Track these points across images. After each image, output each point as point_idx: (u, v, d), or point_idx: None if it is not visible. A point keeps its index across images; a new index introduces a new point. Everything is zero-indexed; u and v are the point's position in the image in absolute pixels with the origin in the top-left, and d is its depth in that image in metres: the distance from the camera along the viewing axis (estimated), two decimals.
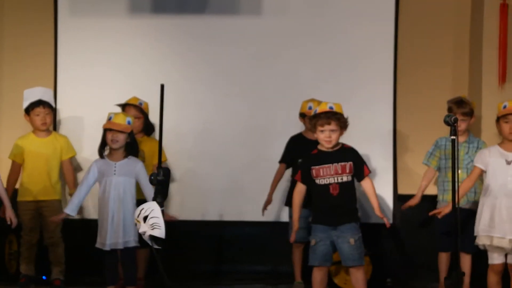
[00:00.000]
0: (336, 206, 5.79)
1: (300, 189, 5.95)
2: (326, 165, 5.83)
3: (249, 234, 7.50)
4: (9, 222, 6.11)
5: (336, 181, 5.81)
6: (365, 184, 5.90)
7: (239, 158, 7.41)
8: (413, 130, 7.44)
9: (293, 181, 6.90)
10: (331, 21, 7.45)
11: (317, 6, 7.47)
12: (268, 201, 7.04)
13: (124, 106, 6.93)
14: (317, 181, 5.85)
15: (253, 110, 7.45)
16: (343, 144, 5.91)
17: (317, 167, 5.85)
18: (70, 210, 6.32)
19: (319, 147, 5.93)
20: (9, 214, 6.15)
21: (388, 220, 5.93)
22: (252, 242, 7.48)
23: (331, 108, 5.85)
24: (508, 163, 5.94)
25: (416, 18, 7.51)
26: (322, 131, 5.83)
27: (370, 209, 5.89)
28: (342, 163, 5.83)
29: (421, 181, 6.71)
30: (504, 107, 6.01)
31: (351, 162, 5.84)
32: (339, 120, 5.83)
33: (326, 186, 5.82)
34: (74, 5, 7.50)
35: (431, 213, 6.18)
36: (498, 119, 6.08)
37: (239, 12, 7.49)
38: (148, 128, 7.00)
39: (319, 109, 5.88)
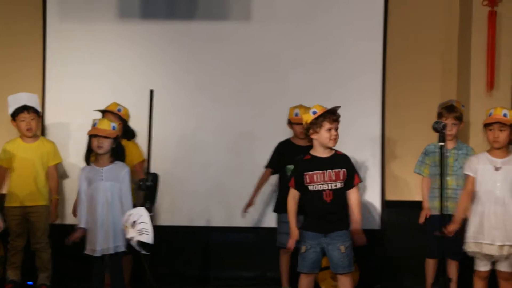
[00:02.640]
0: (328, 213, 5.70)
1: (294, 195, 5.83)
2: (319, 171, 5.73)
3: (236, 239, 7.50)
4: None
5: (329, 187, 5.71)
6: (352, 194, 5.79)
7: (226, 164, 7.42)
8: (401, 137, 7.46)
9: (282, 188, 6.92)
10: (320, 26, 7.46)
11: (306, 13, 7.48)
12: (250, 203, 7.02)
13: (103, 112, 6.91)
14: (310, 187, 5.75)
15: (241, 116, 7.45)
16: (336, 151, 5.84)
17: (310, 173, 5.74)
18: (84, 223, 6.24)
19: (312, 152, 5.82)
20: None
21: (363, 239, 5.77)
22: (239, 248, 7.48)
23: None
24: (497, 169, 5.93)
25: (405, 23, 7.54)
26: (329, 129, 5.72)
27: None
28: (336, 170, 5.73)
29: (422, 192, 6.68)
30: (490, 114, 5.98)
31: (344, 169, 5.75)
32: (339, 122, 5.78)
33: (320, 192, 5.72)
34: (63, 10, 7.48)
35: (438, 233, 5.87)
36: (484, 126, 6.08)
37: (229, 17, 7.49)
38: (128, 134, 6.97)
39: (320, 110, 5.76)
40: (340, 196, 5.74)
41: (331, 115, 5.72)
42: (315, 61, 7.45)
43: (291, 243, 5.85)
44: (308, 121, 5.74)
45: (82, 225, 6.24)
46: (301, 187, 5.79)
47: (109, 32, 7.48)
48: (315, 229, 5.72)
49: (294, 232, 5.80)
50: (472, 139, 6.96)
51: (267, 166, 7.05)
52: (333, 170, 5.73)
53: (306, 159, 5.84)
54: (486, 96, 7.10)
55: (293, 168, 6.00)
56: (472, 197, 5.98)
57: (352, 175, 5.79)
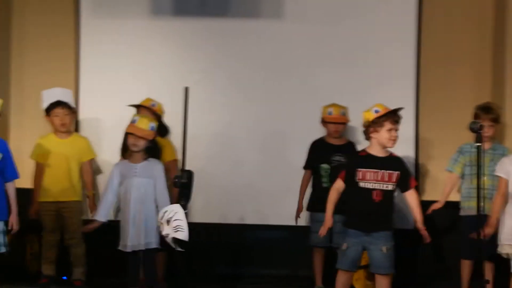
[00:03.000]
0: (374, 212, 5.68)
1: (339, 187, 5.80)
2: (373, 170, 5.70)
3: (269, 237, 7.51)
4: (10, 228, 6.01)
5: (380, 187, 5.69)
6: (410, 195, 5.79)
7: (259, 162, 7.43)
8: (435, 136, 7.43)
9: (315, 187, 6.93)
10: (352, 28, 7.45)
11: (338, 14, 7.48)
12: (300, 209, 7.02)
13: (137, 107, 6.93)
14: (361, 184, 5.72)
15: (273, 114, 7.45)
16: (391, 153, 5.80)
17: (363, 169, 5.71)
18: (101, 216, 6.28)
19: (368, 149, 5.79)
20: (12, 219, 6.00)
21: (428, 236, 5.79)
22: (272, 246, 7.49)
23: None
24: None
25: (439, 18, 7.50)
26: (390, 129, 5.68)
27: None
28: (390, 171, 5.71)
29: (444, 186, 6.68)
30: None
31: (398, 172, 5.72)
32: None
33: (369, 190, 5.69)
34: (96, 7, 7.52)
35: (474, 236, 5.81)
36: None
37: (260, 15, 7.49)
38: (161, 130, 6.95)
39: (383, 109, 5.72)
40: (389, 197, 5.73)
41: (394, 115, 5.71)
42: (347, 62, 7.44)
43: (323, 230, 5.83)
44: (370, 119, 5.72)
45: (99, 218, 6.28)
46: (351, 182, 5.74)
47: (142, 28, 7.52)
48: (358, 227, 5.71)
49: (329, 220, 5.80)
50: (508, 140, 6.92)
51: (305, 167, 7.04)
52: (387, 171, 5.71)
53: (361, 155, 5.82)
54: None
55: (345, 162, 5.99)
56: (506, 198, 5.94)
57: (407, 177, 5.79)
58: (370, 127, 5.73)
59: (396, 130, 5.71)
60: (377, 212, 5.69)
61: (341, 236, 5.93)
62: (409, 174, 5.82)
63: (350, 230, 5.75)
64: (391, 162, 5.75)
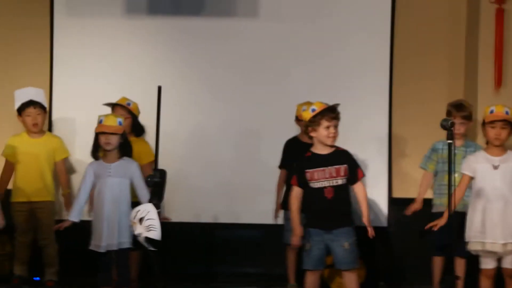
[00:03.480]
0: (330, 209, 5.72)
1: (297, 193, 5.84)
2: (320, 169, 5.76)
3: (242, 236, 7.51)
4: None
5: (330, 184, 5.74)
6: (357, 188, 5.82)
7: (233, 160, 7.42)
8: (408, 135, 7.46)
9: (290, 185, 6.91)
10: (326, 25, 7.45)
11: (313, 11, 7.48)
12: (279, 208, 7.04)
13: (113, 106, 6.91)
14: (311, 185, 5.77)
15: (247, 113, 7.45)
16: (337, 147, 5.85)
17: (311, 170, 5.77)
18: (74, 216, 6.27)
19: (313, 149, 5.85)
20: None
21: (372, 230, 5.78)
22: (245, 244, 7.50)
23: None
24: (495, 167, 5.94)
25: (412, 21, 7.53)
26: (328, 127, 5.73)
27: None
28: (337, 166, 5.76)
29: (419, 186, 6.71)
30: (491, 111, 5.97)
31: (345, 165, 5.77)
32: (339, 119, 5.79)
33: (321, 189, 5.75)
34: (70, 6, 7.47)
35: (426, 227, 6.06)
36: (484, 124, 6.06)
37: (235, 14, 7.48)
38: (137, 129, 6.97)
39: (319, 107, 5.79)
40: (342, 192, 5.76)
41: (330, 112, 5.73)
42: (322, 59, 7.45)
43: (295, 240, 5.85)
44: (307, 119, 5.75)
45: (71, 218, 6.26)
46: (303, 184, 5.79)
47: (116, 27, 7.48)
48: (318, 226, 5.74)
49: (297, 229, 5.81)
50: (480, 137, 6.94)
51: (281, 167, 7.05)
52: (334, 166, 5.75)
53: (307, 156, 5.86)
54: (493, 95, 7.09)
55: (294, 166, 5.99)
56: (463, 194, 6.02)
57: (354, 170, 5.81)
58: (309, 126, 5.77)
59: (335, 126, 5.74)
60: (332, 209, 5.72)
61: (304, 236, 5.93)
62: (356, 166, 5.84)
63: (311, 230, 5.77)
64: (337, 156, 5.78)
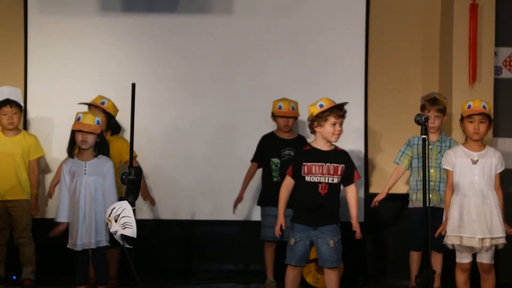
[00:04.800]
0: (321, 206, 5.69)
1: (289, 183, 5.78)
2: (319, 163, 5.71)
3: (220, 233, 7.50)
4: None
5: (326, 181, 5.71)
6: (350, 190, 5.81)
7: (210, 157, 7.41)
8: (384, 129, 7.48)
9: (265, 182, 6.95)
10: (302, 21, 7.46)
11: (288, 5, 7.49)
12: (239, 199, 7.05)
13: (88, 105, 6.89)
14: (307, 178, 5.73)
15: (222, 109, 7.45)
16: (336, 146, 5.82)
17: (309, 164, 5.72)
18: (63, 218, 6.23)
19: (313, 144, 5.81)
20: None
21: (360, 233, 5.81)
22: (223, 241, 7.49)
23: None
24: (474, 162, 5.96)
25: (386, 18, 7.55)
26: (334, 124, 5.69)
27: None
28: (335, 164, 5.72)
29: (389, 178, 6.73)
30: (469, 106, 5.99)
31: (343, 165, 5.75)
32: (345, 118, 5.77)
33: (315, 184, 5.70)
34: (44, 3, 7.44)
35: (436, 234, 6.02)
36: (462, 118, 6.08)
37: (210, 11, 7.47)
38: (113, 127, 6.94)
39: (328, 103, 5.73)
40: (334, 190, 5.75)
41: (338, 110, 5.71)
42: (297, 54, 7.46)
43: (277, 230, 5.82)
44: (314, 114, 5.73)
45: (63, 219, 6.23)
46: (297, 177, 5.75)
47: (90, 25, 7.45)
48: (305, 222, 5.71)
49: (281, 219, 5.79)
50: (455, 132, 6.98)
51: (253, 160, 7.06)
52: (332, 164, 5.73)
53: (306, 149, 5.83)
54: (468, 89, 7.12)
55: (292, 157, 5.96)
56: (453, 189, 6.03)
57: (351, 171, 5.80)
58: (315, 121, 5.74)
59: (341, 124, 5.73)
60: (323, 206, 5.70)
61: (289, 231, 5.93)
62: (353, 168, 5.84)
63: (297, 225, 5.74)
64: (336, 155, 5.77)
